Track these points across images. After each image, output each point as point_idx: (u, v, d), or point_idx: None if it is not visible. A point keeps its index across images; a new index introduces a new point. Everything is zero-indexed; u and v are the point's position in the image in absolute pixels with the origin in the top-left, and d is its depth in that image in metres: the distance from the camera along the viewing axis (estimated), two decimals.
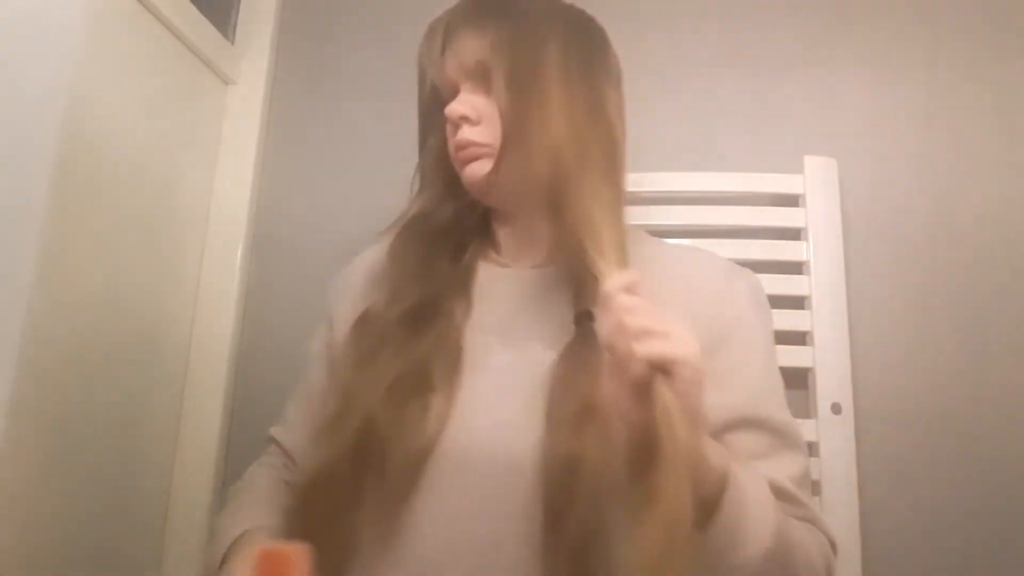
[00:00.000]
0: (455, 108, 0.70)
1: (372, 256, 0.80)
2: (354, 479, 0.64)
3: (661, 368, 0.51)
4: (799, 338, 1.09)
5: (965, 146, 1.15)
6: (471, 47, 0.71)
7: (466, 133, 0.70)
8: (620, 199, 0.68)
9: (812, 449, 1.05)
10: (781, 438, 0.69)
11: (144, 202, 1.06)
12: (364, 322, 0.73)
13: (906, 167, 1.16)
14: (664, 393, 0.51)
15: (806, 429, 1.05)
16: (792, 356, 1.07)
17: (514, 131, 0.68)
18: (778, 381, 0.73)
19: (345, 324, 0.74)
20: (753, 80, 1.21)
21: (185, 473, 1.13)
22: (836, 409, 1.04)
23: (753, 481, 0.60)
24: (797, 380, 1.08)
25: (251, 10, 1.31)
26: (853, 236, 1.12)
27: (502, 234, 0.78)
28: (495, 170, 0.69)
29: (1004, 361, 1.08)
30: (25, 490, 0.84)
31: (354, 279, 0.80)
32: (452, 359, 0.68)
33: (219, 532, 0.69)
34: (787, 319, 1.09)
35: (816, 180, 1.12)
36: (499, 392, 0.66)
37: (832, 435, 1.04)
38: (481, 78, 0.71)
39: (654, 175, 1.15)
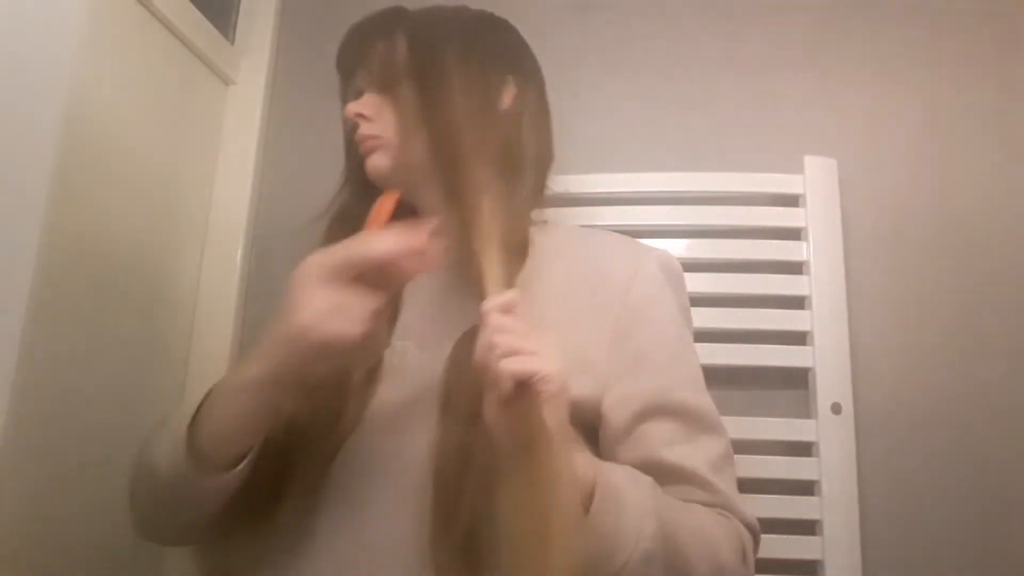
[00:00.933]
0: (350, 107, 0.78)
1: None
2: (272, 487, 0.65)
3: (526, 384, 0.53)
4: (799, 338, 1.09)
5: (965, 146, 1.15)
6: (373, 51, 0.78)
7: (362, 128, 0.77)
8: (517, 192, 0.71)
9: (812, 449, 1.05)
10: (696, 422, 0.69)
11: (144, 202, 1.06)
12: None
13: (906, 167, 1.16)
14: (533, 406, 0.53)
15: (806, 429, 1.05)
16: (792, 356, 1.08)
17: (403, 122, 0.74)
18: (692, 363, 0.73)
19: None
20: (753, 80, 1.21)
21: None
22: (836, 409, 1.04)
23: (633, 486, 0.60)
24: (797, 380, 1.09)
25: (251, 10, 1.30)
26: (853, 236, 1.12)
27: None
28: (390, 158, 0.75)
29: (1004, 361, 1.08)
30: (25, 490, 0.84)
31: None
32: (370, 369, 0.70)
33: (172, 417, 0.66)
34: (787, 319, 1.09)
35: (816, 180, 1.12)
36: (406, 397, 0.68)
37: (832, 435, 1.04)
38: (380, 79, 0.78)
39: (654, 175, 1.15)
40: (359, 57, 0.80)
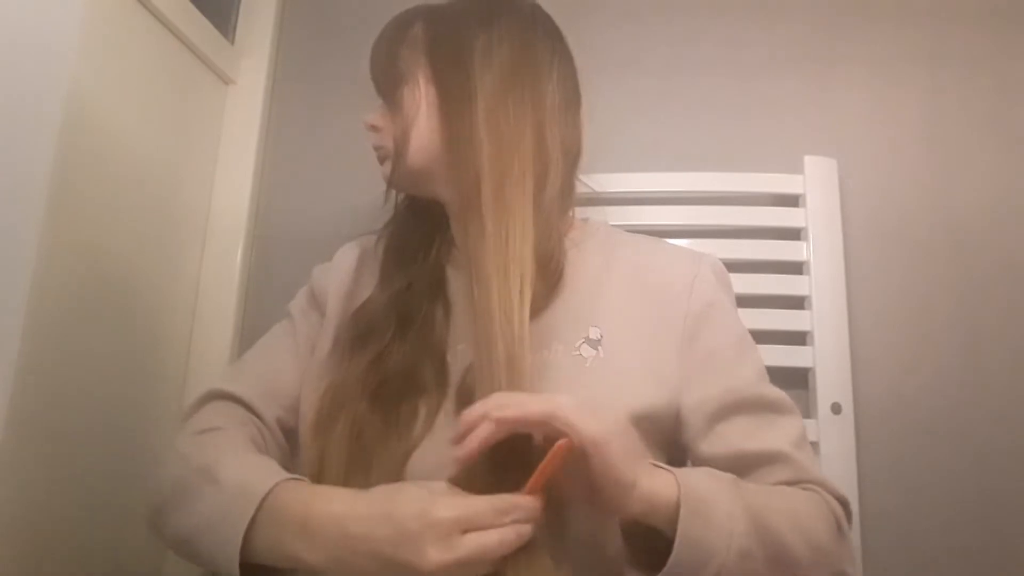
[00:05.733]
0: (365, 119, 0.79)
1: (358, 250, 0.86)
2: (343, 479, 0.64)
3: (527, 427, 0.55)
4: (799, 338, 1.09)
5: (965, 146, 1.15)
6: (378, 59, 0.79)
7: (373, 139, 0.78)
8: (544, 196, 0.69)
9: (812, 449, 1.05)
10: (772, 410, 0.71)
11: (144, 202, 1.06)
12: (354, 316, 0.76)
13: (906, 167, 1.16)
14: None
15: (806, 429, 1.05)
16: (792, 356, 1.07)
17: (397, 134, 0.74)
18: (757, 357, 0.75)
19: (335, 302, 0.79)
20: (753, 80, 1.21)
21: None
22: (836, 409, 1.04)
23: (716, 488, 0.60)
24: (797, 380, 1.08)
25: (251, 10, 1.31)
26: (853, 236, 1.12)
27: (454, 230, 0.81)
28: (392, 168, 0.75)
29: (1003, 361, 1.08)
30: (23, 493, 0.84)
31: (345, 265, 0.85)
32: (438, 369, 0.70)
33: (232, 482, 0.61)
34: (787, 319, 1.09)
35: (816, 180, 1.12)
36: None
37: (832, 435, 1.04)
38: (382, 86, 0.78)
39: (654, 175, 1.15)
40: (372, 66, 0.79)
